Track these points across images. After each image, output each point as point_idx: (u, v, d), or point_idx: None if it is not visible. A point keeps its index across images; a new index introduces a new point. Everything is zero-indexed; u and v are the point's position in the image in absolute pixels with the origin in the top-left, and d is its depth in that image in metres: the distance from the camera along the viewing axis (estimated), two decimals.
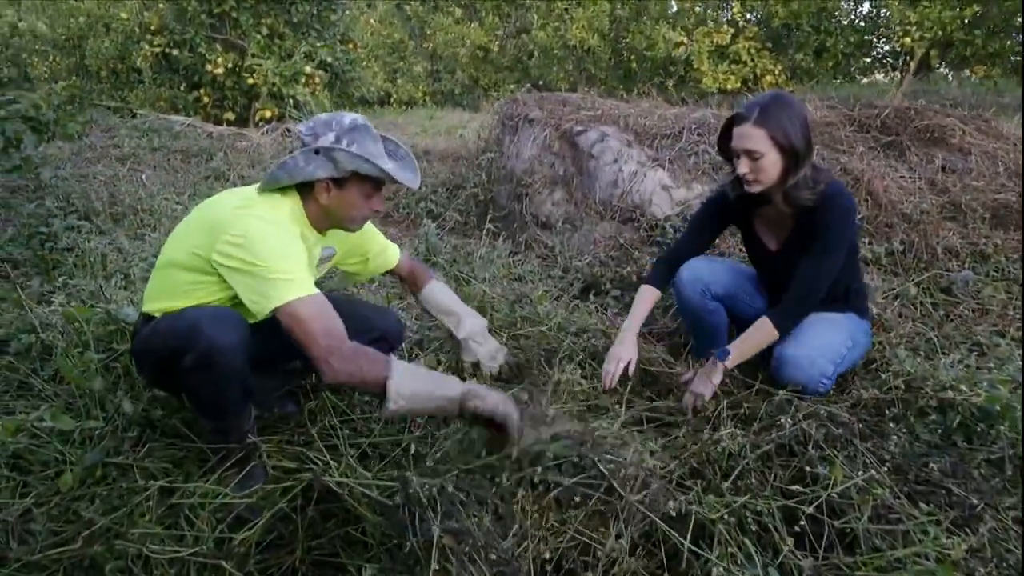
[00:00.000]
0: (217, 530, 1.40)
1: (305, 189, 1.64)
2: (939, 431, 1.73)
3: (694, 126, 3.96)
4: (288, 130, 7.48)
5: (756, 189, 1.89)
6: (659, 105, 4.58)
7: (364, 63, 13.10)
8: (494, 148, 4.57)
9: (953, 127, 3.87)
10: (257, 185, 1.66)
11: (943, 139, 3.85)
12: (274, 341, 1.70)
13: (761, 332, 1.89)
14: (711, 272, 2.19)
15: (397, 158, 1.72)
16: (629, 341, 2.02)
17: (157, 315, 1.59)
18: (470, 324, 1.93)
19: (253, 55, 8.66)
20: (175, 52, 8.77)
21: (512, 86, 15.53)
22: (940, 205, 3.29)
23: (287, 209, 1.62)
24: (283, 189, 1.63)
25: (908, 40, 8.07)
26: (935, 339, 2.42)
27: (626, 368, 1.98)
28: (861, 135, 4.00)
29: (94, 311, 2.09)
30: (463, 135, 8.26)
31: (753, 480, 1.52)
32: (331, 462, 1.51)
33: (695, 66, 10.25)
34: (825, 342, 1.96)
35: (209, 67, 8.74)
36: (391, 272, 2.05)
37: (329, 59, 9.25)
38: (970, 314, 2.62)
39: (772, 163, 1.82)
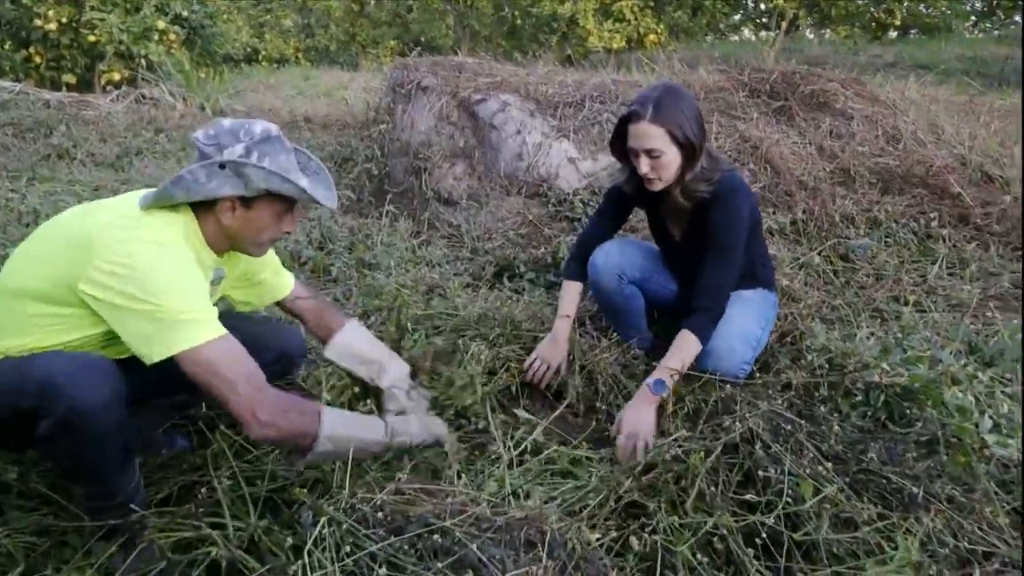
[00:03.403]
0: None
1: (203, 206, 1.38)
2: (868, 414, 1.76)
3: (595, 93, 3.85)
4: (144, 96, 6.65)
5: (658, 187, 1.85)
6: (557, 71, 4.44)
7: (226, 17, 11.90)
8: (385, 118, 4.25)
9: (835, 92, 4.02)
10: (135, 195, 1.38)
11: (827, 104, 4.00)
12: (154, 374, 1.43)
13: (688, 346, 1.79)
14: (624, 255, 2.14)
15: (309, 172, 1.49)
16: (557, 343, 1.95)
17: None
18: (395, 371, 1.71)
19: (92, 8, 7.58)
20: None
21: (392, 42, 14.82)
22: (831, 171, 3.41)
23: (180, 229, 1.35)
24: (174, 204, 1.36)
25: (781, 0, 8.40)
26: (841, 307, 2.51)
27: (557, 370, 1.92)
28: (753, 100, 4.07)
29: None
30: (346, 99, 7.75)
31: (707, 488, 1.45)
32: (234, 527, 1.28)
33: (581, 23, 10.17)
34: (742, 328, 1.95)
35: (39, 21, 7.55)
36: (282, 306, 1.77)
37: (184, 13, 8.29)
38: (868, 280, 2.74)
39: (672, 160, 1.78)
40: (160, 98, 6.52)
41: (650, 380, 1.73)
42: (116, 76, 7.87)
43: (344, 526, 1.13)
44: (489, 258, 3.05)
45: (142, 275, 1.22)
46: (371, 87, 4.84)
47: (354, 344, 1.72)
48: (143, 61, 7.70)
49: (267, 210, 1.38)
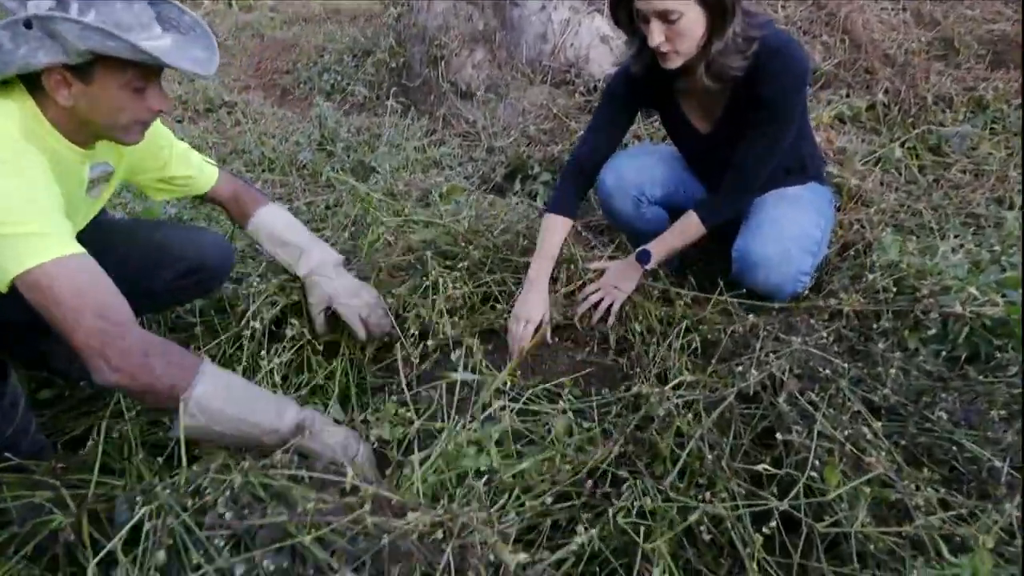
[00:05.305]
0: None
1: (35, 84, 1.07)
2: (943, 353, 1.35)
3: None
4: None
5: (675, 64, 1.36)
6: None
7: None
8: (402, 1, 3.78)
9: None
10: None
11: None
12: None
13: (687, 229, 1.54)
14: (641, 173, 1.71)
15: (181, 29, 1.14)
16: (536, 294, 1.54)
17: None
18: (317, 256, 1.45)
19: None
20: None
21: None
22: (928, 42, 2.75)
23: (15, 119, 1.05)
24: (4, 85, 1.06)
25: None
26: (924, 211, 2.02)
27: (537, 328, 1.52)
28: None
29: None
30: None
31: (707, 453, 1.12)
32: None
33: None
34: (797, 230, 1.54)
35: None
36: (208, 199, 1.52)
37: None
38: (964, 178, 2.20)
39: (693, 24, 1.30)
40: None
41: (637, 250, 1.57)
42: None
43: (171, 525, 0.85)
44: (502, 158, 2.66)
45: None
46: None
47: (270, 226, 1.48)
48: None
49: (112, 82, 1.05)
